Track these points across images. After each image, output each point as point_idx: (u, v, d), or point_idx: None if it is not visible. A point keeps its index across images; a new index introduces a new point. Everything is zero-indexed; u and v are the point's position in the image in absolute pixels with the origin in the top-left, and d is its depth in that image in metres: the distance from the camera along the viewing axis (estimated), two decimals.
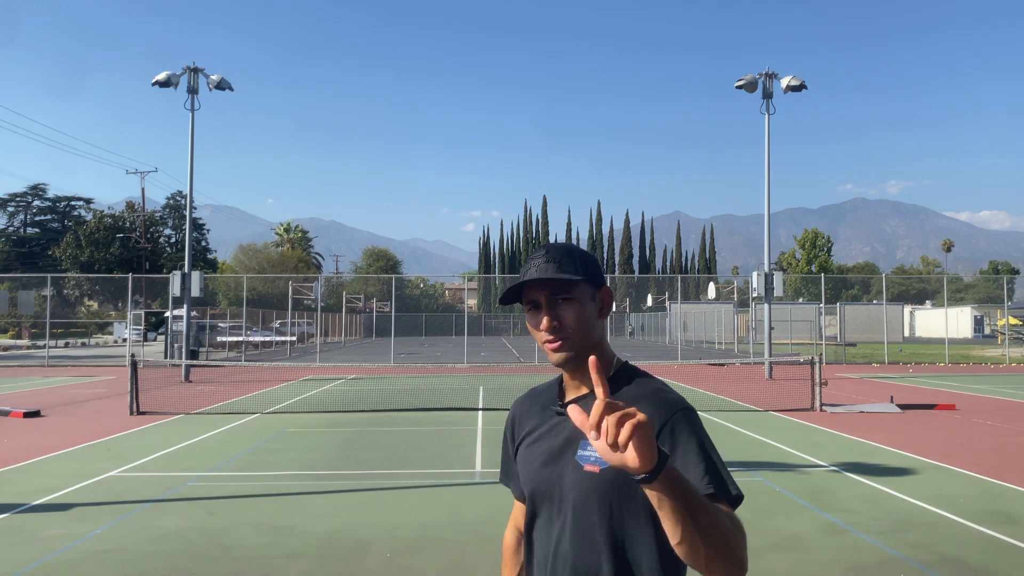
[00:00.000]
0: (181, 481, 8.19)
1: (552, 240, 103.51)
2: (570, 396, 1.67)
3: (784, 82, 22.49)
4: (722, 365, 27.93)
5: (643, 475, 1.21)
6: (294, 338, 43.78)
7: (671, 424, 1.51)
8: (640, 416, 1.18)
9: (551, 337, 1.59)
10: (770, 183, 23.18)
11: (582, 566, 1.53)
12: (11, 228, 78.31)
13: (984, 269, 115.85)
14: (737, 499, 1.51)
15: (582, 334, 1.60)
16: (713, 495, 1.46)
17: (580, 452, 1.55)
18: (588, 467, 1.52)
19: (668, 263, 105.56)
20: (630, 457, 1.19)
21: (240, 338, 37.10)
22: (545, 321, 1.59)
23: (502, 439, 1.85)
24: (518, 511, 1.82)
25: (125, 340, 36.80)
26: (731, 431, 11.80)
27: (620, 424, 1.18)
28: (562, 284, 1.60)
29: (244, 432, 11.80)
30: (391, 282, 50.36)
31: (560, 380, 1.73)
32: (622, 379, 1.65)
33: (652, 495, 1.26)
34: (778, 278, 22.60)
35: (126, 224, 64.91)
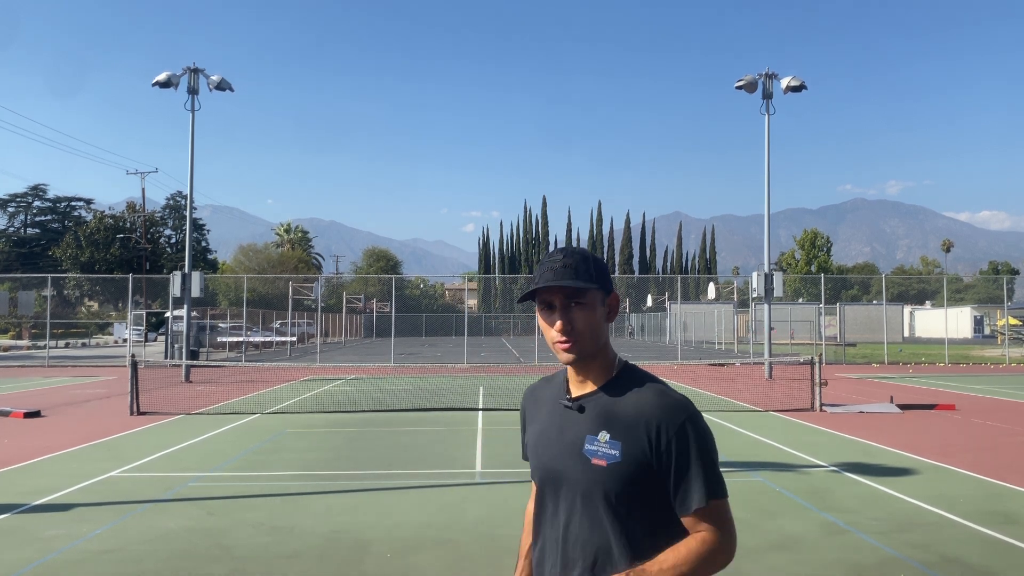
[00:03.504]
0: (181, 481, 8.20)
1: (552, 242, 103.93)
2: (575, 391, 1.81)
3: (784, 82, 22.48)
4: (722, 365, 27.94)
5: None
6: (294, 338, 43.78)
7: (677, 434, 1.69)
8: None
9: (563, 339, 1.74)
10: (770, 183, 23.18)
11: (592, 546, 1.72)
12: (11, 228, 78.31)
13: (984, 269, 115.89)
14: (727, 494, 1.75)
15: (591, 337, 1.75)
16: (714, 498, 1.71)
17: (587, 447, 1.72)
18: (596, 461, 1.70)
19: (668, 263, 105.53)
20: None
21: (240, 338, 37.10)
22: (559, 324, 1.73)
23: (520, 420, 2.00)
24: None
25: (125, 340, 36.79)
26: (731, 431, 11.81)
27: None
28: (577, 290, 1.73)
29: (244, 432, 11.80)
30: (391, 282, 50.39)
31: (566, 372, 1.87)
32: (625, 379, 1.79)
33: None
34: (778, 278, 22.60)
35: (126, 224, 64.91)
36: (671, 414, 1.70)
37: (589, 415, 1.76)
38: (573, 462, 1.73)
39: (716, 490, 1.70)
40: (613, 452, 1.69)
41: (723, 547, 1.70)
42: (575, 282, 1.71)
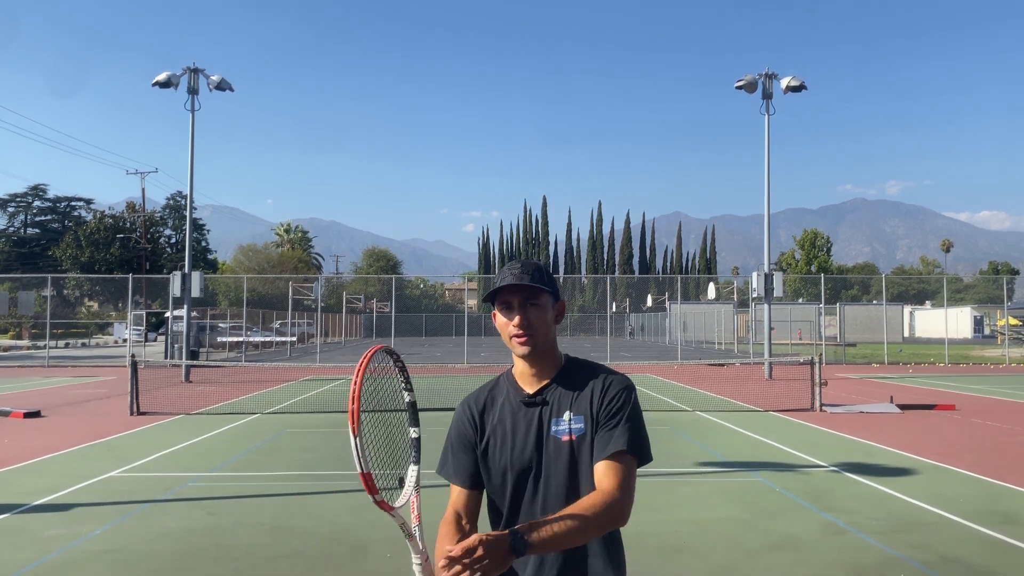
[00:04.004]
0: (181, 481, 8.20)
1: (552, 242, 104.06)
2: (530, 388, 2.04)
3: (784, 82, 22.49)
4: (722, 365, 27.93)
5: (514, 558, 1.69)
6: (294, 338, 43.79)
7: (618, 394, 1.96)
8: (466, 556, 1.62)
9: (520, 333, 1.98)
10: (770, 183, 23.18)
11: None
12: (11, 228, 78.31)
13: (984, 269, 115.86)
14: (644, 459, 1.95)
15: (543, 334, 2.00)
16: (624, 452, 1.90)
17: (555, 428, 1.97)
18: (564, 437, 1.96)
19: (668, 263, 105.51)
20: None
21: (240, 338, 37.11)
22: (518, 319, 1.98)
23: (452, 436, 2.14)
24: (458, 496, 2.11)
25: (125, 340, 36.78)
26: (731, 431, 11.81)
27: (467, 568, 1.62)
28: (534, 291, 1.99)
29: (244, 432, 11.80)
30: (391, 282, 50.39)
31: (510, 376, 2.10)
32: (573, 368, 2.06)
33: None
34: (778, 278, 22.60)
35: (126, 224, 64.92)
36: (617, 380, 2.00)
37: (551, 404, 2.01)
38: (546, 446, 1.97)
39: (636, 446, 1.92)
40: (579, 426, 1.96)
41: (619, 503, 1.84)
42: (532, 283, 1.97)
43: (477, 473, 2.08)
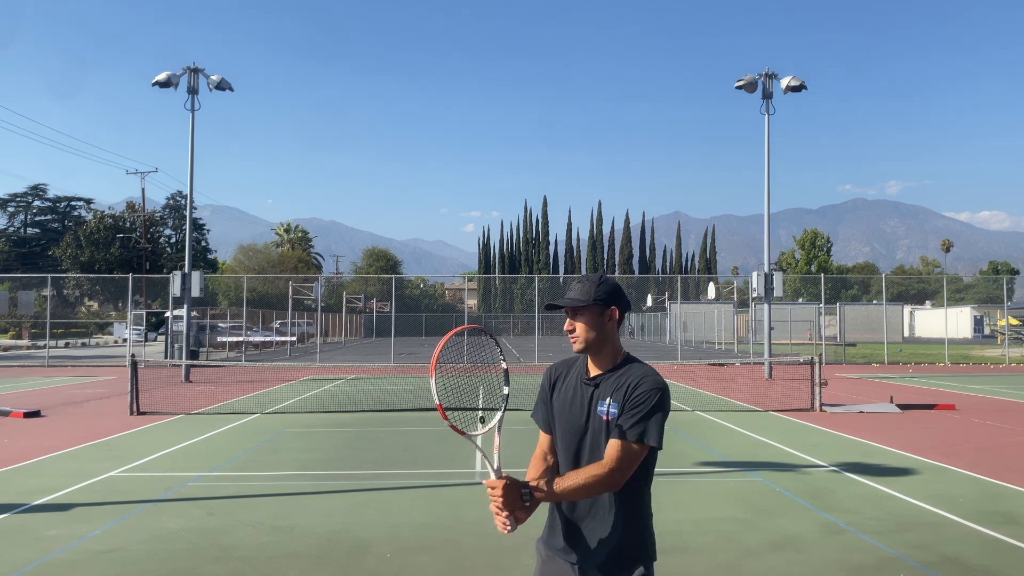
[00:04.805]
0: (181, 481, 8.19)
1: (552, 242, 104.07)
2: (592, 372, 2.59)
3: (784, 82, 22.48)
4: (722, 365, 27.93)
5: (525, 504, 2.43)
6: (294, 338, 43.76)
7: (646, 390, 2.43)
8: (496, 497, 2.44)
9: (570, 336, 2.58)
10: (770, 183, 23.18)
11: None
12: (11, 228, 78.29)
13: (984, 269, 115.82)
14: (653, 447, 2.44)
15: (588, 337, 2.55)
16: (630, 437, 2.40)
17: (599, 408, 2.50)
18: (604, 417, 2.47)
19: (668, 263, 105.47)
20: (515, 512, 2.45)
21: (240, 338, 37.10)
22: (567, 325, 2.60)
23: (540, 391, 2.73)
24: (544, 438, 2.71)
25: (125, 340, 36.77)
26: (731, 431, 11.80)
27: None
28: (576, 305, 2.55)
29: (244, 432, 11.80)
30: (391, 282, 50.38)
31: (585, 359, 2.64)
32: (626, 365, 2.56)
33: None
34: (778, 278, 22.59)
35: (126, 224, 64.87)
36: (650, 380, 2.47)
37: (602, 388, 2.53)
38: (591, 419, 2.51)
39: (642, 434, 2.40)
40: (614, 410, 2.46)
41: (612, 473, 2.37)
42: (571, 301, 2.54)
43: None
